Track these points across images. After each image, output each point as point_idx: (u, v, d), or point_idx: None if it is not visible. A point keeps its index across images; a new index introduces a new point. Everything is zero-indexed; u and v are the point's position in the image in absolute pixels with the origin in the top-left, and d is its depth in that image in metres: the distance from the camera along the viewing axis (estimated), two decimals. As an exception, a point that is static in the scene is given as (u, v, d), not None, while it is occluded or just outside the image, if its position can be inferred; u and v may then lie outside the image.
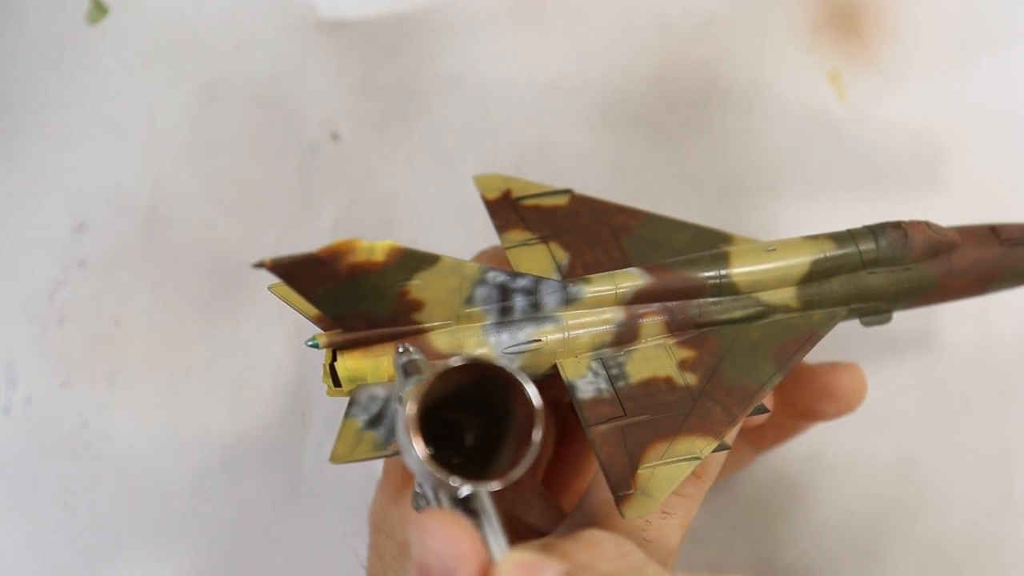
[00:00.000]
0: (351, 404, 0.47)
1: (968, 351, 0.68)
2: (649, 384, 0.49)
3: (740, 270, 0.51)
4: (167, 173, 0.66)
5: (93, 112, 0.66)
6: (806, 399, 0.57)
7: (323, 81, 0.67)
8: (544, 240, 0.54)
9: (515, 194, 0.55)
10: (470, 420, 0.45)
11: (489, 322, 0.49)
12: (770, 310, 0.52)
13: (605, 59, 0.69)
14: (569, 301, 0.50)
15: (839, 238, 0.52)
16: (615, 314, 0.50)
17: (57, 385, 0.65)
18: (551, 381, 0.51)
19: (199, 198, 0.66)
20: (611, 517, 0.49)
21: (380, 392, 0.46)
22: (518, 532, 0.54)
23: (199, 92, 0.67)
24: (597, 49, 0.69)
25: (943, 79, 0.70)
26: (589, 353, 0.50)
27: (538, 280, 0.49)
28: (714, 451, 0.48)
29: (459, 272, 0.47)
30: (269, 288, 0.49)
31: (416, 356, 0.46)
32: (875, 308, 0.53)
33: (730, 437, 0.49)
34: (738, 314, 0.52)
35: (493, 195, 0.55)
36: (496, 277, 0.48)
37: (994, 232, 0.55)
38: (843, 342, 0.60)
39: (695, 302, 0.51)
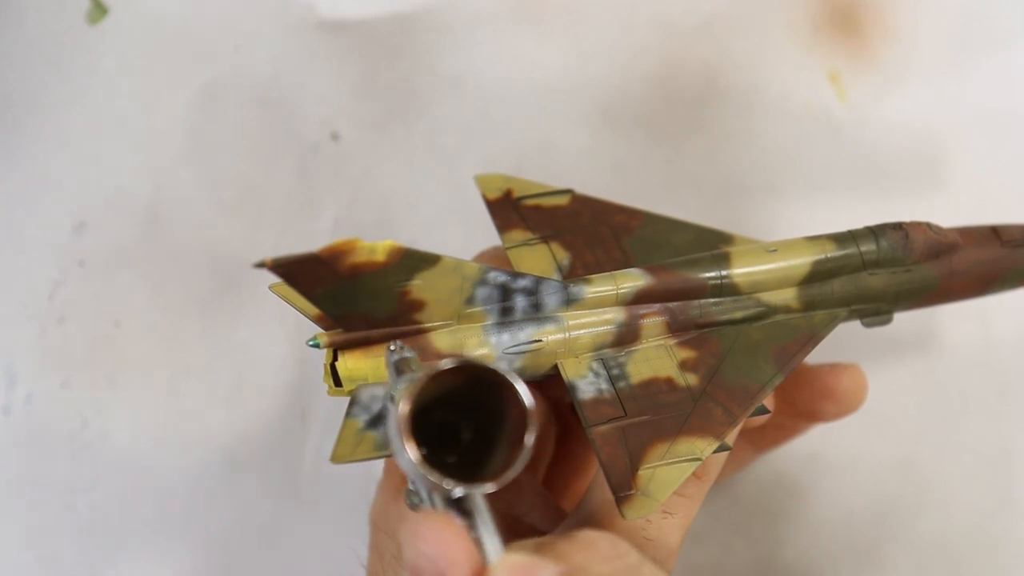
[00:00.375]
0: (352, 404, 0.47)
1: (968, 352, 0.68)
2: (650, 385, 0.49)
3: (741, 271, 0.51)
4: (167, 173, 0.66)
5: (93, 112, 0.66)
6: (807, 400, 0.57)
7: (323, 81, 0.67)
8: (545, 240, 0.54)
9: (516, 194, 0.55)
10: (465, 421, 0.45)
11: (490, 322, 0.49)
12: (771, 311, 0.52)
13: (605, 59, 0.69)
14: (570, 301, 0.50)
15: (840, 239, 0.52)
16: (616, 314, 0.50)
17: (57, 385, 0.65)
18: (552, 381, 0.51)
19: (199, 198, 0.66)
20: (611, 517, 0.49)
21: (381, 392, 0.46)
22: (519, 532, 0.54)
23: (199, 92, 0.67)
24: (597, 49, 0.69)
25: (943, 79, 0.70)
26: (590, 353, 0.50)
27: (539, 280, 0.49)
28: (715, 452, 0.48)
29: (460, 272, 0.47)
30: (270, 287, 0.49)
31: (408, 354, 0.46)
32: (876, 309, 0.53)
33: (731, 438, 0.49)
34: (739, 315, 0.51)
35: (494, 195, 0.55)
36: (497, 277, 0.48)
37: (995, 233, 0.55)
38: (844, 343, 0.60)
39: (696, 303, 0.51)
